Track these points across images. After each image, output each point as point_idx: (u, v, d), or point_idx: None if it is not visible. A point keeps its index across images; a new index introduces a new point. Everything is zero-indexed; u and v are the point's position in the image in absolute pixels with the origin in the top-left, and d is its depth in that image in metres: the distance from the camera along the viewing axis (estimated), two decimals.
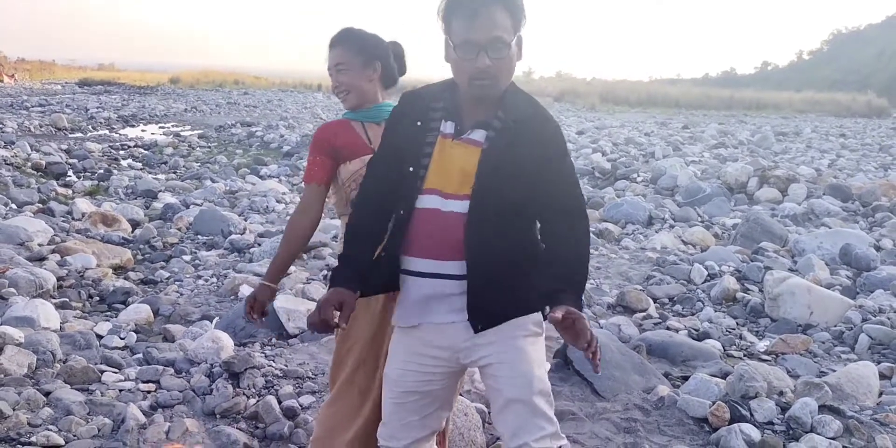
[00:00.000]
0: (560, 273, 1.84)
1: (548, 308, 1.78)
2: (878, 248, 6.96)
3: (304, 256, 6.42)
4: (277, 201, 9.20)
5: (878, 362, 4.17)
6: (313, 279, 5.55)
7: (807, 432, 3.11)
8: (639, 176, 11.98)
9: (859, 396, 3.59)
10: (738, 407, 3.23)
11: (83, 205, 8.41)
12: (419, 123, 1.93)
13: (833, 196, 9.95)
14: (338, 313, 1.87)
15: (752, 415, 3.23)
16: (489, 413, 3.31)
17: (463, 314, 1.89)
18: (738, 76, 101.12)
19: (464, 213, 1.87)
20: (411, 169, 1.91)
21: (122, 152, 14.54)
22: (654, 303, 5.26)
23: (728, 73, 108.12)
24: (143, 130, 19.56)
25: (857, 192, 10.08)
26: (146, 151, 14.69)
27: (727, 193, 10.21)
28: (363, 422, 2.30)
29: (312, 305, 4.56)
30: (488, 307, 1.88)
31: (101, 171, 11.71)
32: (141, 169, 12.51)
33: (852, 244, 6.47)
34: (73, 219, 7.92)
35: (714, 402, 3.28)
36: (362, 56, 2.37)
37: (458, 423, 2.90)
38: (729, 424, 3.15)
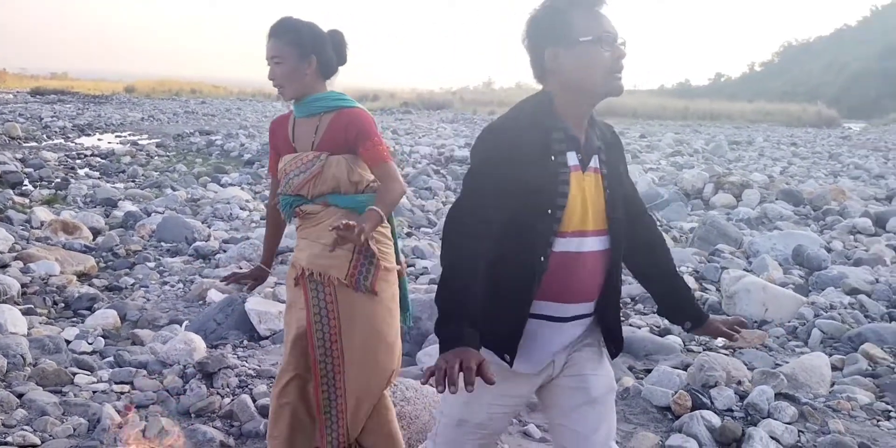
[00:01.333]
0: (679, 288, 2.01)
1: (688, 324, 2.01)
2: (828, 250, 7.23)
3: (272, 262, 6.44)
4: (241, 208, 9.18)
5: (830, 354, 4.37)
6: (281, 283, 5.58)
7: (764, 418, 3.26)
8: None
9: (812, 385, 3.76)
10: (700, 395, 3.38)
11: (42, 213, 8.29)
12: (553, 158, 1.74)
13: (785, 201, 10.29)
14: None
15: (712, 402, 3.38)
16: None
17: (567, 347, 1.87)
18: (692, 87, 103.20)
19: (602, 249, 1.80)
20: (549, 211, 1.72)
21: (78, 161, 14.32)
22: None
23: (683, 84, 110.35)
24: (99, 139, 19.25)
25: (809, 196, 10.44)
26: (103, 160, 14.48)
27: (684, 199, 10.49)
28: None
29: (283, 307, 4.61)
30: (615, 334, 1.93)
31: (58, 180, 11.52)
32: (99, 178, 12.34)
33: (804, 245, 6.73)
34: (31, 227, 7.80)
35: (676, 392, 3.43)
36: (298, 49, 2.38)
37: (436, 413, 2.99)
38: (691, 411, 3.29)
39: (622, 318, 5.08)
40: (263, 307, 4.46)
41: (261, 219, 8.81)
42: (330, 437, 2.56)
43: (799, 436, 3.18)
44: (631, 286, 5.78)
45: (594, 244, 1.78)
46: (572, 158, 1.76)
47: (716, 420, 3.21)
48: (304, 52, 2.39)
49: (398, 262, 2.59)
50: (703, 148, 20.80)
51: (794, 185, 11.81)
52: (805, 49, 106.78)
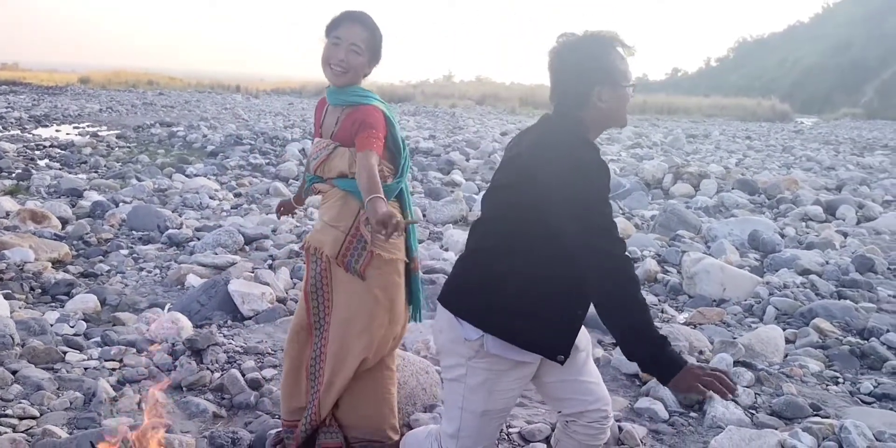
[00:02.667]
0: None
1: None
2: (782, 235, 7.58)
3: (247, 248, 6.55)
4: (210, 198, 9.22)
5: (784, 329, 4.65)
6: (258, 268, 5.69)
7: None
8: None
9: (768, 354, 4.04)
10: None
11: (7, 203, 8.22)
12: None
13: (741, 190, 10.68)
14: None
15: None
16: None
17: None
18: (650, 82, 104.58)
19: None
20: None
21: (37, 152, 14.09)
22: None
23: (641, 79, 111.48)
24: (57, 130, 18.91)
25: (763, 186, 10.84)
26: (63, 151, 14.27)
27: (645, 188, 10.82)
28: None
29: (266, 289, 4.77)
30: None
31: (19, 170, 11.38)
32: (60, 169, 12.19)
33: (759, 230, 7.06)
34: None
35: None
36: (373, 50, 2.55)
37: (421, 380, 3.17)
38: None
39: None
40: (246, 289, 4.58)
41: (231, 208, 8.91)
42: (308, 410, 2.71)
43: (756, 398, 3.44)
44: None
45: None
46: None
47: None
48: (376, 56, 2.57)
49: (409, 257, 2.67)
50: (661, 141, 21.24)
51: (749, 176, 12.22)
52: (759, 45, 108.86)
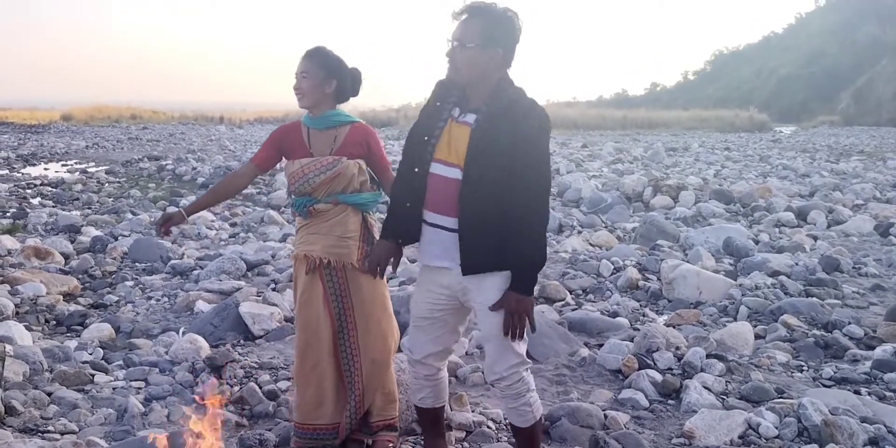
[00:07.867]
0: (513, 254, 2.42)
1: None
2: (756, 241, 7.99)
3: (249, 274, 6.87)
4: (208, 228, 9.53)
5: (755, 326, 5.02)
6: (262, 292, 6.01)
7: (698, 373, 3.88)
8: None
9: (738, 348, 4.41)
10: (644, 358, 3.99)
11: (7, 242, 8.47)
12: (438, 103, 2.57)
13: (717, 200, 11.12)
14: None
15: (655, 363, 3.99)
16: None
17: (456, 262, 2.49)
18: (629, 97, 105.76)
19: (459, 179, 2.46)
20: (426, 138, 2.54)
21: (29, 191, 14.31)
22: (570, 294, 6.01)
23: (620, 94, 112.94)
24: (46, 169, 19.12)
25: (738, 195, 11.30)
26: (55, 189, 14.49)
27: (626, 202, 11.22)
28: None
29: (274, 309, 5.10)
30: (475, 257, 2.45)
31: (14, 209, 11.62)
32: (53, 206, 12.41)
33: (733, 237, 7.46)
34: (1, 255, 7.99)
35: (625, 357, 4.02)
36: (324, 71, 2.97)
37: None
38: (637, 371, 3.88)
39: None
40: (257, 310, 4.91)
41: (229, 237, 9.22)
42: (350, 406, 3.06)
43: (726, 385, 3.81)
44: (582, 279, 6.40)
45: (454, 173, 2.48)
46: (456, 111, 2.54)
47: (658, 376, 3.82)
48: (329, 75, 2.97)
49: None
50: (641, 155, 21.72)
51: (726, 186, 12.67)
52: (735, 56, 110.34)
